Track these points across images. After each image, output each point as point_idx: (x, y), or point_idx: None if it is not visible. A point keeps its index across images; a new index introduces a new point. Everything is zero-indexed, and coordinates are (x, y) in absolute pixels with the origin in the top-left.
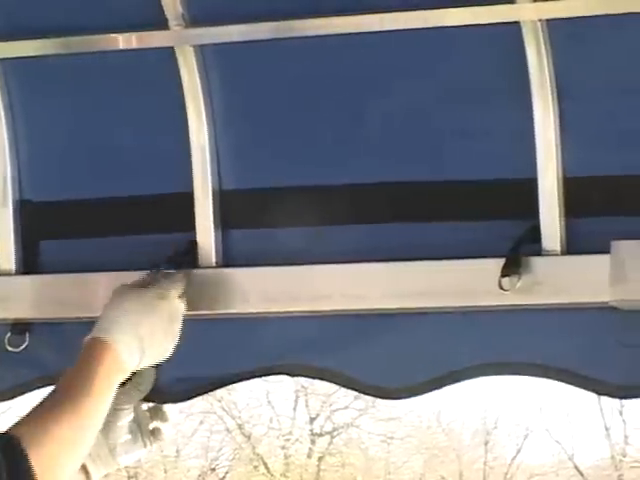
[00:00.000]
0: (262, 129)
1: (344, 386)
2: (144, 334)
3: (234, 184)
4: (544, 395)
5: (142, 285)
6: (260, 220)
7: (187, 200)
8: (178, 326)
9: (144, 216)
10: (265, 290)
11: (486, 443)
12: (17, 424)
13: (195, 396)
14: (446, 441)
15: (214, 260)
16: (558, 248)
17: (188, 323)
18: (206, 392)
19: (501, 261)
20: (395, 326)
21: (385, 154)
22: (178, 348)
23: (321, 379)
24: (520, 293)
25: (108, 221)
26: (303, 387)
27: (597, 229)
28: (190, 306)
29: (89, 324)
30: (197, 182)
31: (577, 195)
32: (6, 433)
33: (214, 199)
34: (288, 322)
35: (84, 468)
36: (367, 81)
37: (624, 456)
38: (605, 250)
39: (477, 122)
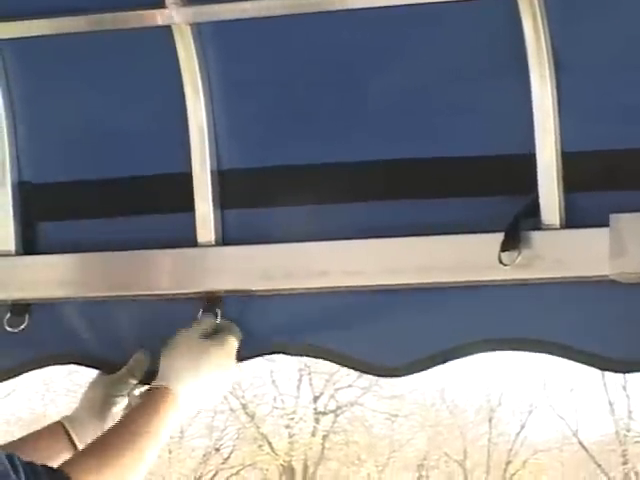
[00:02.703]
0: (260, 108)
1: (345, 366)
2: (202, 382)
3: (232, 163)
4: (548, 371)
5: (202, 332)
6: (259, 199)
7: (186, 180)
8: (231, 375)
9: (143, 196)
10: (264, 268)
11: (490, 420)
12: (72, 461)
13: None
14: (450, 418)
15: (213, 238)
16: (557, 222)
17: (183, 301)
18: None
19: (501, 236)
20: (395, 302)
21: (384, 131)
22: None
23: (322, 359)
24: (520, 267)
25: (107, 202)
26: (306, 366)
27: (596, 203)
28: (189, 284)
29: (88, 304)
30: (195, 162)
31: (576, 169)
32: (60, 470)
33: (213, 178)
34: (288, 300)
35: (72, 443)
36: (365, 58)
37: (628, 431)
38: (604, 224)
39: (474, 98)
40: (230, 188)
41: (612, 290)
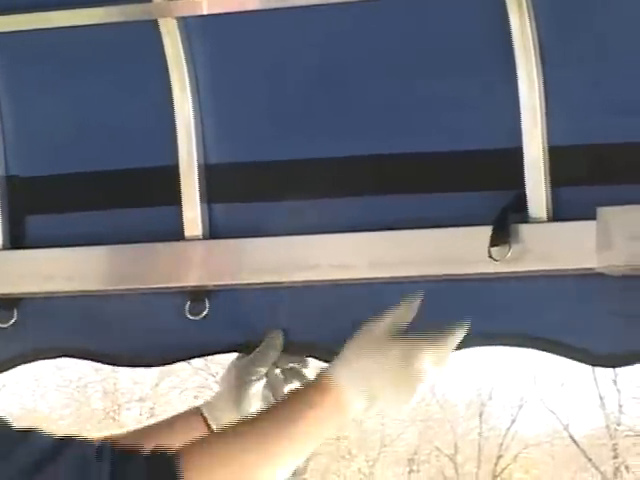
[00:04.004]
0: (247, 102)
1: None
2: (376, 390)
3: (220, 157)
4: (538, 365)
5: (394, 329)
6: (247, 193)
7: (173, 173)
8: (417, 388)
9: (130, 190)
10: (252, 261)
11: (480, 414)
12: (192, 445)
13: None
14: (440, 412)
15: (201, 232)
16: (544, 215)
17: (175, 294)
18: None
19: (489, 229)
20: (384, 295)
21: (371, 126)
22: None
23: (310, 355)
24: (508, 261)
25: (95, 195)
26: None
27: (583, 196)
28: (177, 278)
29: (77, 298)
30: (183, 155)
31: (563, 163)
32: (168, 454)
33: (200, 172)
34: (277, 294)
35: (209, 430)
36: (352, 53)
37: (619, 425)
38: (591, 217)
39: (461, 92)
40: (217, 182)
41: (600, 283)
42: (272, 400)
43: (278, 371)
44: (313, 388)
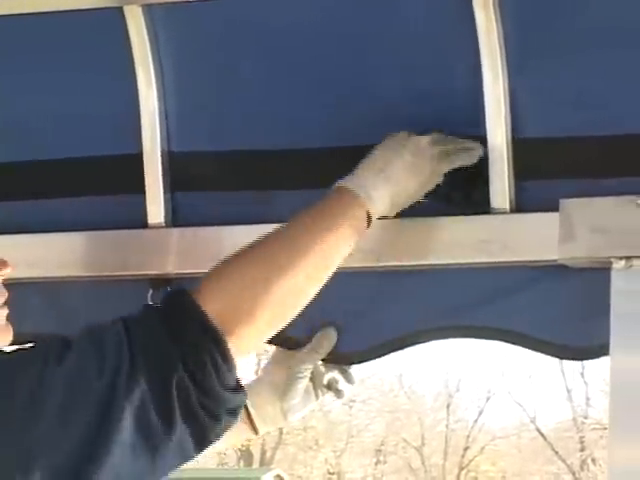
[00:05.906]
0: (211, 90)
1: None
2: (395, 186)
3: (183, 145)
4: (506, 358)
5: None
6: (210, 181)
7: (136, 161)
8: (431, 177)
9: (93, 177)
10: (215, 250)
11: (448, 406)
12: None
13: None
14: (408, 404)
15: (164, 220)
16: (507, 206)
17: (138, 282)
18: None
19: (452, 219)
20: (345, 287)
21: (335, 117)
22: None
23: (274, 344)
24: (470, 252)
25: (57, 182)
26: (265, 350)
27: (546, 188)
28: (139, 266)
29: (40, 285)
30: (146, 143)
31: (526, 155)
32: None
33: (163, 160)
34: None
35: (252, 425)
36: (317, 42)
37: (586, 418)
38: (554, 209)
39: (426, 83)
40: (181, 170)
41: (562, 275)
42: (312, 393)
43: (325, 378)
44: (334, 200)
